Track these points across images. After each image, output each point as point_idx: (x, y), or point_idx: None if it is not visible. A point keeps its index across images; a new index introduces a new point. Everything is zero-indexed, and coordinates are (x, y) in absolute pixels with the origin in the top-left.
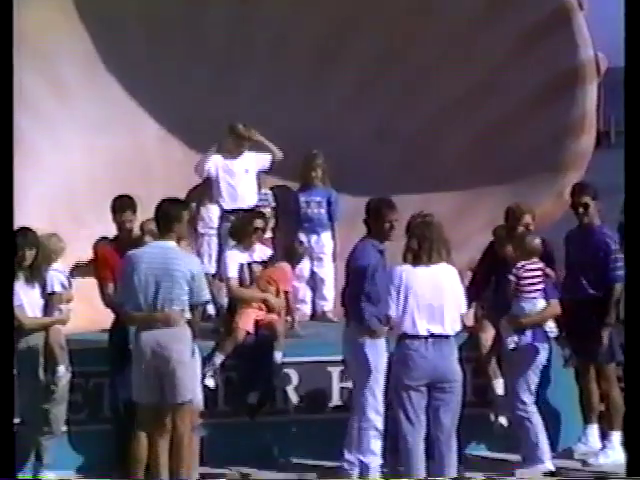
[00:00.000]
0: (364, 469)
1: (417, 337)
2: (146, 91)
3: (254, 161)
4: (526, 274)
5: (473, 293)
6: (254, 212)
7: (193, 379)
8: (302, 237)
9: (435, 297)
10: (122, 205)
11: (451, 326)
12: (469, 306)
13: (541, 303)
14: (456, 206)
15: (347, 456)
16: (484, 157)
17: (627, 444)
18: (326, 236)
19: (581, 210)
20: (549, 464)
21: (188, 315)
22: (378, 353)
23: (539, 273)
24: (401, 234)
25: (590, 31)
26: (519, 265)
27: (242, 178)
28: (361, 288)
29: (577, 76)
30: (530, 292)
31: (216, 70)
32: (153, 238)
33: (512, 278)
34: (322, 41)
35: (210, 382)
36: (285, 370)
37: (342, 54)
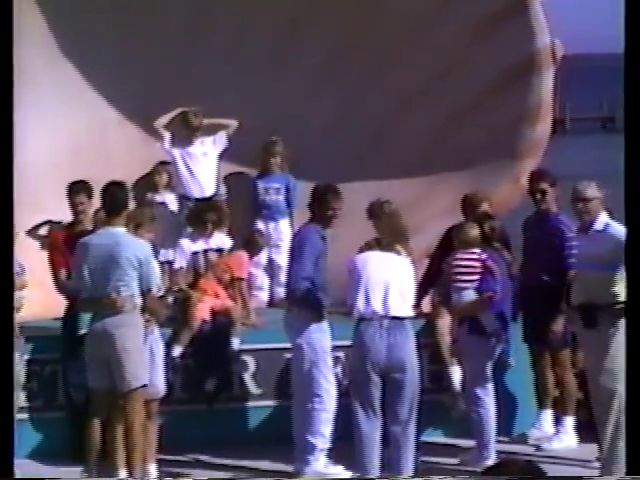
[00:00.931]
0: (310, 450)
1: (372, 324)
2: (106, 75)
3: (211, 144)
4: (455, 263)
5: (429, 280)
6: (209, 203)
7: (143, 366)
8: (260, 225)
9: (390, 281)
10: (76, 189)
11: (406, 309)
12: (427, 293)
13: (470, 295)
14: (414, 193)
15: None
16: (442, 144)
17: (627, 444)
18: (284, 223)
19: (538, 196)
20: (490, 463)
21: (139, 301)
22: (323, 336)
23: (474, 264)
24: (358, 220)
25: (546, 19)
26: (452, 254)
27: (201, 162)
28: (305, 273)
29: (533, 63)
30: (459, 282)
31: (176, 55)
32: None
33: (444, 267)
34: (282, 28)
35: (170, 375)
36: (243, 357)
37: (302, 42)
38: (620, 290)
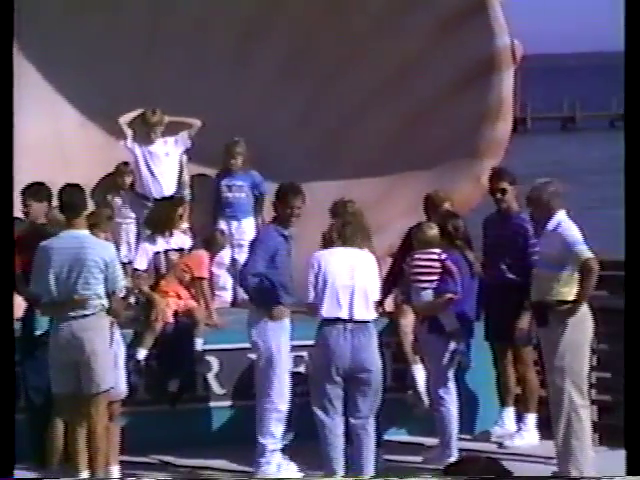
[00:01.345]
0: (261, 451)
1: (335, 325)
2: (66, 76)
3: (173, 144)
4: (414, 263)
5: (393, 279)
6: (175, 199)
7: (110, 369)
8: (222, 224)
9: (353, 282)
10: (30, 192)
11: (369, 311)
12: (390, 292)
13: (429, 295)
14: (376, 192)
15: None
16: (403, 143)
17: (627, 444)
18: (247, 222)
19: (499, 195)
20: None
21: (105, 303)
22: (280, 335)
23: (433, 264)
24: (322, 219)
25: (506, 19)
26: (411, 254)
27: (163, 162)
28: (263, 271)
29: (493, 63)
30: (418, 282)
31: (138, 56)
32: (59, 227)
33: (405, 267)
34: (244, 28)
35: (135, 378)
36: (206, 357)
37: (264, 41)
38: (568, 290)
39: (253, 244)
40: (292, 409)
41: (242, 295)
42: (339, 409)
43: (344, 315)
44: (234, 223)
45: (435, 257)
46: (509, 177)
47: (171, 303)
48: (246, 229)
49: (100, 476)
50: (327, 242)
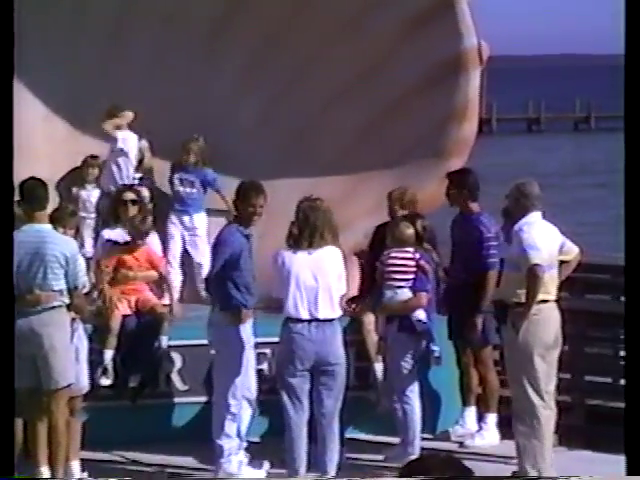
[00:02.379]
0: (219, 452)
1: (300, 320)
2: (30, 69)
3: (133, 142)
4: (390, 262)
5: (366, 278)
6: (124, 186)
7: (70, 365)
8: (174, 218)
9: (318, 281)
10: None
11: (334, 309)
12: (362, 291)
13: (405, 293)
14: (342, 190)
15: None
16: (370, 142)
17: (627, 444)
18: (199, 217)
19: (455, 196)
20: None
21: (66, 299)
22: (242, 338)
23: (408, 263)
24: (286, 218)
25: (473, 20)
26: (386, 253)
27: (121, 158)
28: (226, 274)
29: (460, 64)
30: (394, 280)
31: (102, 50)
32: (21, 221)
33: (378, 266)
34: (208, 26)
35: (105, 381)
36: (169, 353)
37: (228, 40)
38: (524, 292)
39: (216, 247)
40: (254, 407)
41: (191, 290)
42: (305, 405)
43: (307, 316)
44: (185, 217)
45: (410, 256)
46: (466, 177)
47: (130, 297)
48: (197, 224)
49: (60, 472)
50: (293, 240)
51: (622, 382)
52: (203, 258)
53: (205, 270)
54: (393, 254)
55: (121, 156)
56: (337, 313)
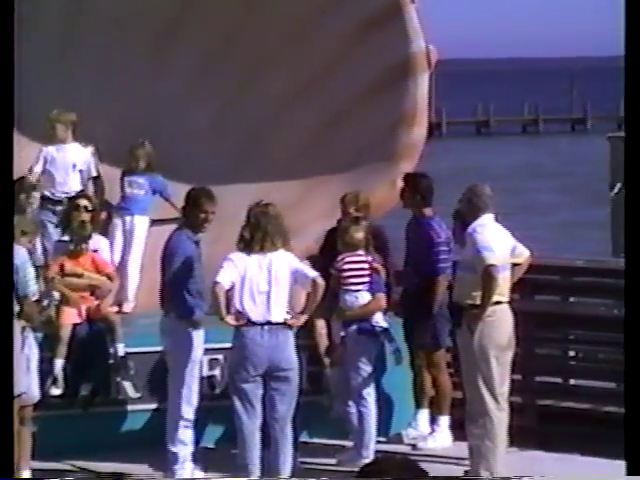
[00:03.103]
0: (172, 458)
1: (253, 325)
2: None
3: (81, 156)
4: (346, 266)
5: None
6: (76, 195)
7: (21, 374)
8: (116, 219)
9: (271, 285)
10: None
11: (286, 315)
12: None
13: (365, 296)
14: (293, 195)
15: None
16: (320, 147)
17: (627, 444)
18: (140, 219)
19: (409, 200)
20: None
21: (16, 308)
22: (193, 343)
23: (363, 266)
24: (238, 223)
25: (421, 24)
26: (339, 258)
27: (68, 171)
28: (179, 280)
29: (408, 68)
30: (352, 285)
31: (51, 52)
32: None
33: (332, 271)
34: (159, 28)
35: (55, 390)
36: (122, 361)
37: (179, 42)
38: (478, 294)
39: (166, 254)
40: (205, 413)
41: (124, 294)
42: (258, 410)
43: (260, 319)
44: (127, 218)
45: (363, 259)
46: (419, 181)
47: (76, 305)
48: (137, 225)
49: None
50: (244, 244)
51: (572, 382)
52: (134, 262)
53: (136, 273)
54: (348, 258)
55: (65, 166)
56: (288, 316)
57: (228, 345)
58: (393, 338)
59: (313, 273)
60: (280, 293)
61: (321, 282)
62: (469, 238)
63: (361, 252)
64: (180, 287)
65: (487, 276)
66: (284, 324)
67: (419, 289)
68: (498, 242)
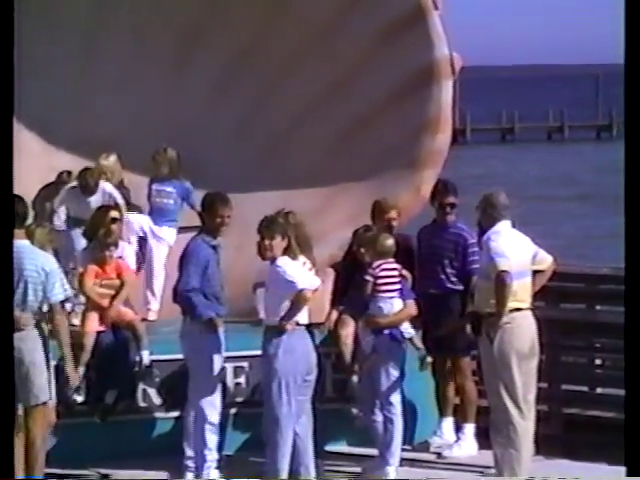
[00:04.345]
0: (198, 464)
1: (304, 330)
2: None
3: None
4: (382, 273)
5: (341, 291)
6: (106, 205)
7: (47, 380)
8: (145, 228)
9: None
10: None
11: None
12: (340, 303)
13: (398, 303)
14: (316, 202)
15: (187, 451)
16: (343, 154)
17: (627, 444)
18: (169, 230)
19: (448, 209)
20: (392, 470)
21: (44, 314)
22: (213, 347)
23: (395, 273)
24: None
25: (445, 30)
26: (375, 265)
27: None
28: (188, 285)
29: (432, 74)
30: (387, 292)
31: (74, 60)
32: None
33: (368, 278)
34: (184, 33)
35: (78, 397)
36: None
37: (203, 48)
38: (492, 301)
39: (184, 259)
40: (230, 421)
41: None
42: (295, 410)
43: (306, 321)
44: (155, 227)
45: (395, 266)
46: (455, 191)
47: (99, 312)
48: (165, 235)
49: None
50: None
51: (598, 390)
52: (160, 270)
53: (160, 283)
54: (383, 266)
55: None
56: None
57: (253, 352)
58: (420, 345)
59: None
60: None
61: (308, 295)
62: (484, 246)
63: (391, 259)
64: (191, 292)
65: (500, 282)
66: (311, 328)
67: (444, 293)
68: (514, 249)
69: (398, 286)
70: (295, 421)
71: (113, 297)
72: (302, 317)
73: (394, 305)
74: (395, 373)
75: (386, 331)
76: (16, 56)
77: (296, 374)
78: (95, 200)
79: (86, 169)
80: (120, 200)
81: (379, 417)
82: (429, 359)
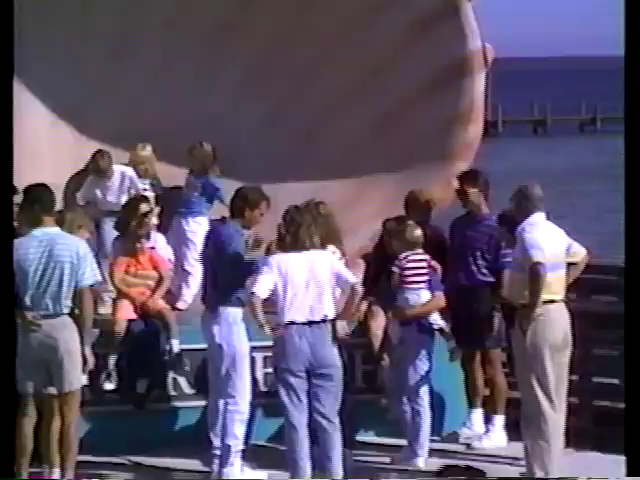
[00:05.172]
0: (225, 452)
1: (294, 324)
2: (36, 73)
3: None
4: (409, 265)
5: (367, 283)
6: (137, 198)
7: (81, 367)
8: (175, 221)
9: (310, 283)
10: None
11: (327, 312)
12: (371, 294)
13: (425, 295)
14: (347, 194)
15: (214, 441)
16: (375, 145)
17: (627, 444)
18: (195, 222)
19: (468, 198)
20: (421, 461)
21: (69, 303)
22: (242, 336)
23: (423, 264)
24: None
25: (478, 22)
26: (402, 256)
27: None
28: (231, 272)
29: (465, 66)
30: (414, 283)
31: (106, 54)
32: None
33: (395, 269)
34: (213, 27)
35: (109, 385)
36: (179, 357)
37: (233, 41)
38: (526, 293)
39: (228, 249)
40: (259, 411)
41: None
42: (304, 403)
43: (302, 319)
44: (183, 219)
45: (422, 257)
46: (473, 180)
47: (131, 301)
48: (193, 225)
49: (70, 474)
50: (282, 243)
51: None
52: (190, 261)
53: (191, 272)
54: (411, 257)
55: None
56: (330, 315)
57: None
58: (450, 336)
59: (353, 279)
60: (321, 291)
61: (359, 289)
62: (519, 237)
63: (420, 250)
64: (232, 280)
65: (533, 274)
66: (324, 321)
67: (475, 286)
68: (548, 241)
69: (426, 277)
70: (301, 408)
71: (153, 290)
72: (296, 315)
73: (421, 296)
74: (423, 365)
75: (414, 323)
76: (48, 47)
77: (290, 371)
78: (116, 185)
79: (98, 152)
80: (140, 185)
81: (407, 408)
82: (459, 351)
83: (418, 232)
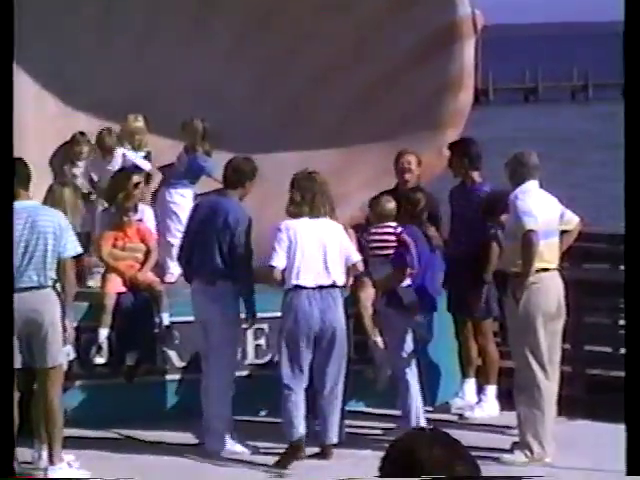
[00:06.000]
0: (214, 425)
1: (304, 289)
2: (21, 46)
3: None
4: (374, 237)
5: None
6: (127, 170)
7: (61, 340)
8: (161, 191)
9: (321, 248)
10: None
11: (337, 278)
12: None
13: (388, 269)
14: (337, 164)
15: (205, 413)
16: (364, 115)
17: (627, 444)
18: (181, 192)
19: (458, 168)
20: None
21: (53, 275)
22: (238, 309)
23: (388, 238)
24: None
25: None
26: (369, 229)
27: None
28: (239, 245)
29: (454, 33)
30: (378, 257)
31: (93, 22)
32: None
33: (363, 241)
34: (197, 1)
35: (100, 359)
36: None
37: (219, 13)
38: (519, 261)
39: (235, 224)
40: (250, 383)
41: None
42: (305, 374)
43: (312, 284)
44: (170, 191)
45: (391, 230)
46: (464, 149)
47: (120, 274)
48: (178, 198)
49: (57, 450)
50: (294, 208)
51: (622, 351)
52: (173, 237)
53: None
54: (373, 230)
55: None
56: (340, 281)
57: (272, 314)
58: (421, 314)
59: (357, 258)
60: (330, 259)
61: (361, 268)
62: (511, 205)
63: (391, 223)
64: (236, 253)
65: (526, 242)
66: (334, 286)
67: (468, 256)
68: (541, 208)
69: (390, 251)
70: (301, 379)
71: (142, 263)
72: (305, 279)
73: (381, 270)
74: (395, 338)
75: (383, 296)
76: (33, 19)
77: (297, 335)
78: (116, 167)
79: (106, 129)
80: (145, 166)
81: (395, 377)
82: (428, 335)
83: (389, 205)
